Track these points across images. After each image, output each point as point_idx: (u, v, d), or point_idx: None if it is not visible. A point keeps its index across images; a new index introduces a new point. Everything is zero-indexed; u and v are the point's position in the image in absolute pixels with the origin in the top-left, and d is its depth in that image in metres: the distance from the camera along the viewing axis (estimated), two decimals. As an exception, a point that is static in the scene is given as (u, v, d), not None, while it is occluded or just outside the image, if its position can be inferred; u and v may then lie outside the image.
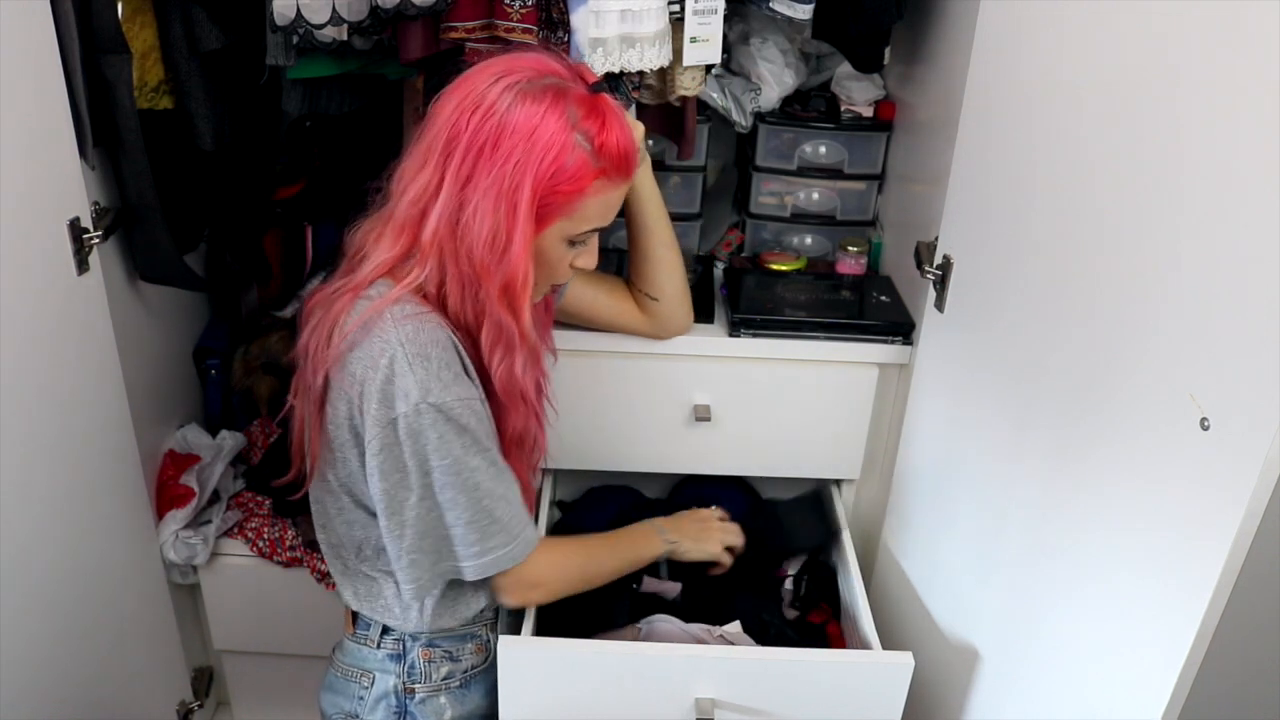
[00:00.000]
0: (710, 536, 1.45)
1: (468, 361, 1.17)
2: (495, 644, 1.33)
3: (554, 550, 1.30)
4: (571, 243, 1.19)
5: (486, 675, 1.34)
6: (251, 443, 1.89)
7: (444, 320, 1.16)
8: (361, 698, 1.30)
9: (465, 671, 1.32)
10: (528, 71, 1.14)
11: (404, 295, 1.14)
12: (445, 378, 1.11)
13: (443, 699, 1.31)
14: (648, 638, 1.49)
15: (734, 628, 1.52)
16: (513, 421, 1.23)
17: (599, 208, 1.17)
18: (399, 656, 1.29)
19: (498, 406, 1.22)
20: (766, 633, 1.54)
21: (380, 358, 1.11)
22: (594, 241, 1.22)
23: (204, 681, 1.90)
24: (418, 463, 1.13)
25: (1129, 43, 1.05)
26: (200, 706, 1.84)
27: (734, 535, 1.48)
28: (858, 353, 1.68)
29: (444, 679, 1.30)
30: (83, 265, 1.38)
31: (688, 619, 1.52)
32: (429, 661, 1.29)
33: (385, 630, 1.29)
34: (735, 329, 1.67)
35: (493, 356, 1.17)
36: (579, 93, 1.14)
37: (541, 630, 1.41)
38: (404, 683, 1.29)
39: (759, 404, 1.72)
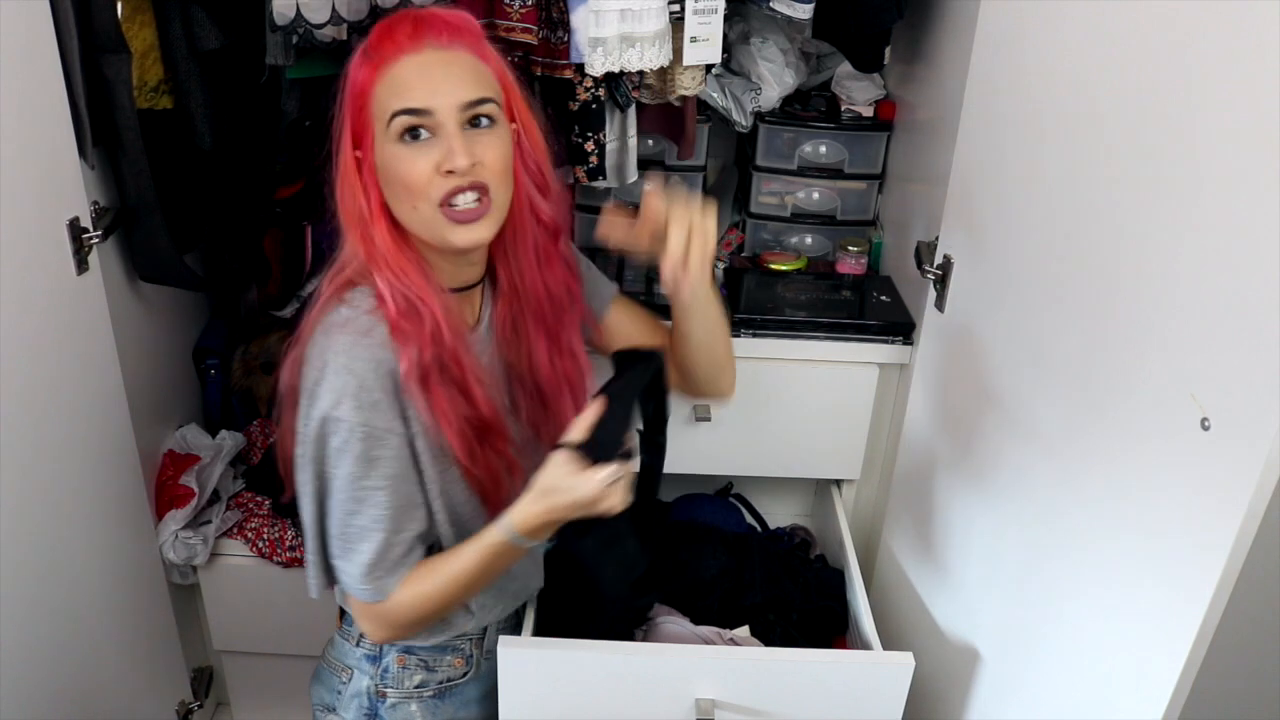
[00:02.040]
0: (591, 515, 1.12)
1: (399, 391, 1.11)
2: (479, 659, 1.31)
3: (405, 596, 1.16)
4: (405, 141, 1.06)
5: (466, 688, 1.32)
6: (251, 443, 1.88)
7: (391, 337, 1.10)
8: (339, 691, 1.30)
9: (441, 683, 1.30)
10: None
11: (350, 291, 1.12)
12: (362, 399, 1.08)
13: (414, 706, 1.29)
14: (656, 638, 1.48)
15: (743, 632, 1.52)
16: (450, 405, 1.13)
17: (388, 91, 1.06)
18: (375, 658, 1.28)
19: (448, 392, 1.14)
20: (772, 632, 1.54)
21: (316, 360, 1.10)
22: (446, 139, 1.06)
23: (204, 681, 1.89)
24: (316, 469, 1.12)
25: (1129, 42, 1.05)
26: (200, 706, 1.84)
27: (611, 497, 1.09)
28: (858, 353, 1.68)
29: (416, 687, 1.28)
30: (82, 265, 1.38)
31: (698, 621, 1.53)
32: (403, 668, 1.28)
33: None
34: (735, 329, 1.67)
35: (395, 327, 1.10)
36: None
37: (540, 632, 1.41)
38: (377, 685, 1.28)
39: (759, 404, 1.72)
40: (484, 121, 1.08)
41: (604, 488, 1.05)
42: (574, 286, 1.25)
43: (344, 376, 1.08)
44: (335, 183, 1.11)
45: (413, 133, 1.06)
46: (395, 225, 1.11)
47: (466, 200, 1.08)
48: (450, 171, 1.06)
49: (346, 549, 1.13)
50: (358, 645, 1.29)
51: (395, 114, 1.05)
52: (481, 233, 1.10)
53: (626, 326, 1.36)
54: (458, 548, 1.15)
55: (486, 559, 1.13)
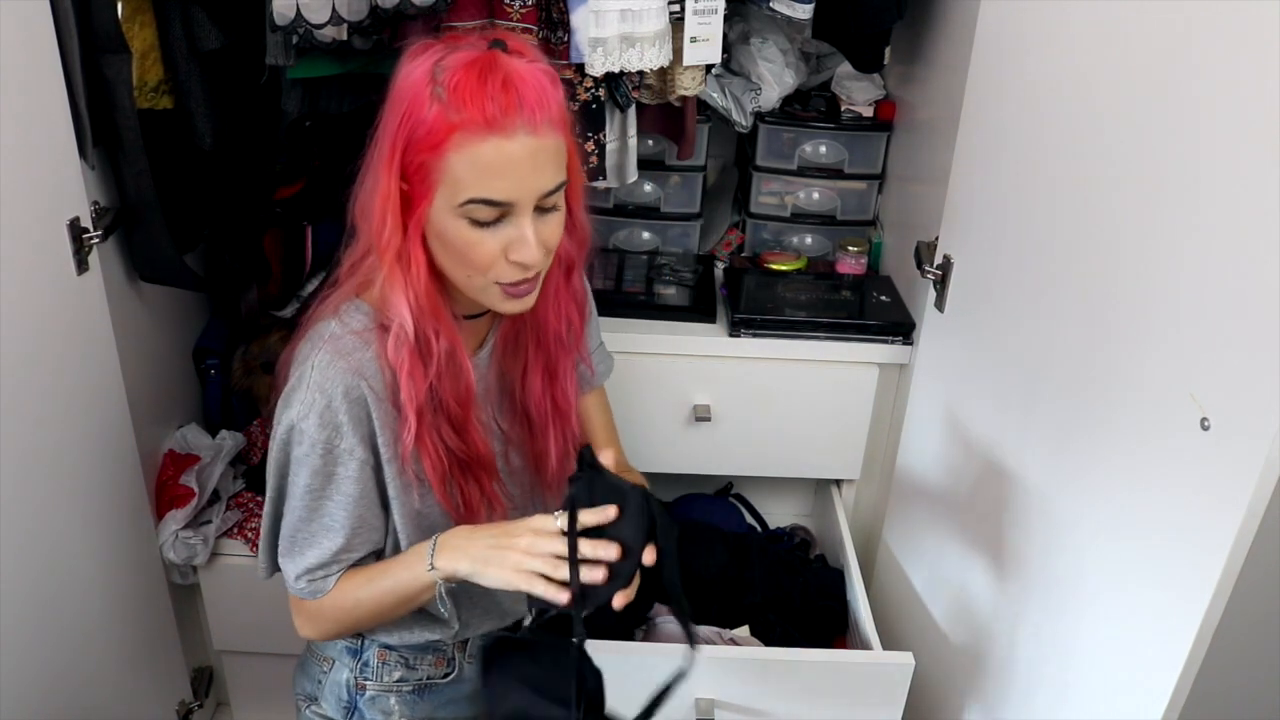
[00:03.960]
0: (504, 559, 1.05)
1: (374, 417, 1.11)
2: (462, 662, 1.31)
3: (335, 597, 1.18)
4: (477, 223, 1.03)
5: (448, 689, 1.31)
6: (251, 443, 1.88)
7: (382, 352, 1.10)
8: (320, 681, 1.31)
9: (420, 680, 1.30)
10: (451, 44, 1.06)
11: (348, 303, 1.12)
12: (326, 418, 1.08)
13: (392, 700, 1.29)
14: (656, 638, 1.48)
15: (743, 632, 1.52)
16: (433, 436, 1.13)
17: (467, 168, 1.00)
18: (356, 651, 1.28)
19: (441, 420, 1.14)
20: (772, 632, 1.55)
21: (297, 368, 1.11)
22: (520, 228, 1.03)
23: (204, 681, 1.89)
24: (279, 470, 1.13)
25: (1129, 42, 1.05)
26: (200, 706, 1.84)
27: (539, 561, 1.02)
28: (858, 353, 1.68)
29: (396, 682, 1.29)
30: (82, 265, 1.38)
31: (698, 621, 1.53)
32: (383, 663, 1.28)
33: None
34: (735, 329, 1.67)
35: (397, 360, 1.10)
36: (472, 48, 1.03)
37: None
38: (356, 677, 1.28)
39: (759, 404, 1.72)
40: (553, 205, 1.07)
41: (531, 535, 1.03)
42: (576, 322, 1.24)
43: (314, 392, 1.08)
44: (363, 197, 1.07)
45: (487, 222, 1.03)
46: (430, 262, 1.09)
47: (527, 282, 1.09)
48: (518, 262, 1.04)
49: (292, 552, 1.15)
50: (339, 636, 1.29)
51: (473, 200, 1.01)
52: (530, 302, 1.11)
53: (589, 418, 1.36)
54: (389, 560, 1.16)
55: (394, 575, 1.13)
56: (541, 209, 1.05)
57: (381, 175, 1.05)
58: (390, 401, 1.11)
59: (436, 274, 1.09)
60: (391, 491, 1.15)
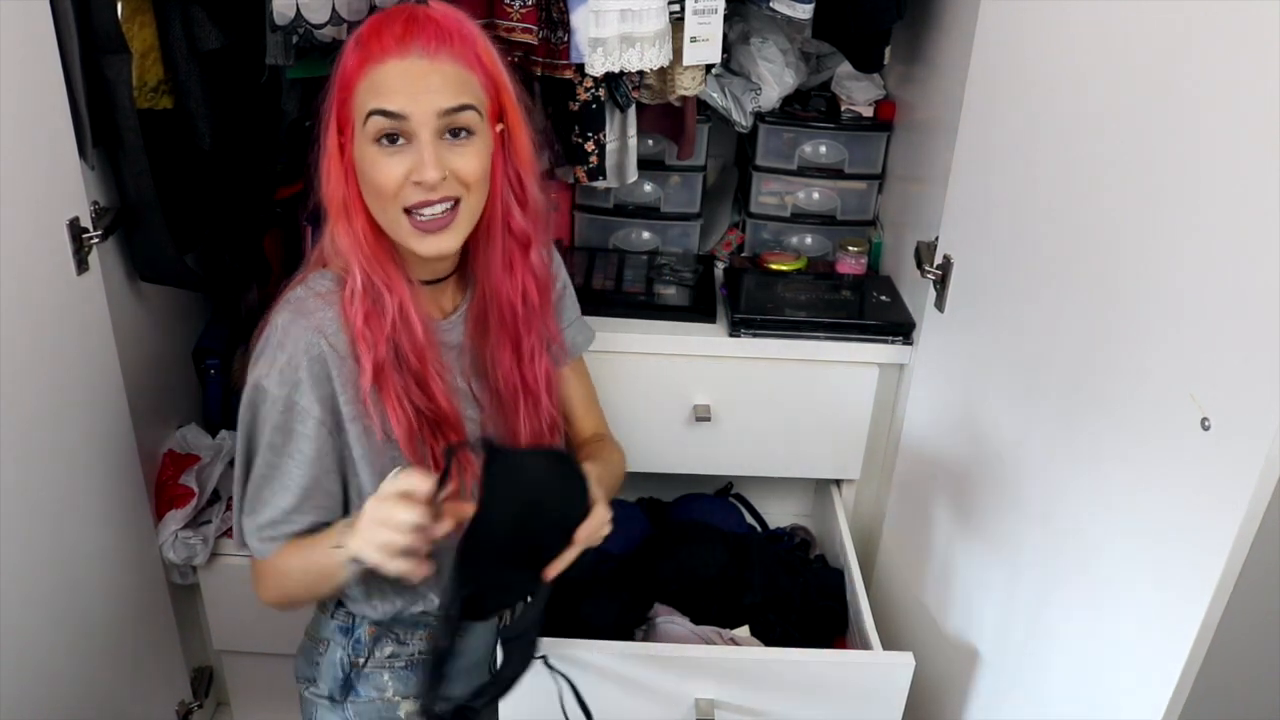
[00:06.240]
0: (371, 535, 1.02)
1: (334, 376, 1.13)
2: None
3: (272, 564, 1.20)
4: (380, 144, 1.07)
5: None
6: (251, 443, 1.88)
7: (342, 314, 1.13)
8: (317, 663, 1.33)
9: (412, 655, 1.32)
10: None
11: (316, 272, 1.17)
12: (287, 375, 1.12)
13: (385, 676, 1.31)
14: (656, 638, 1.49)
15: (743, 632, 1.52)
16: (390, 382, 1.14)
17: (369, 91, 1.07)
18: (348, 630, 1.30)
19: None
20: (772, 632, 1.55)
21: (265, 330, 1.15)
22: (418, 150, 1.07)
23: (204, 681, 1.89)
24: (246, 430, 1.16)
25: (1129, 42, 1.05)
26: (200, 706, 1.84)
27: (391, 532, 1.00)
28: (858, 353, 1.68)
29: (388, 658, 1.31)
30: (82, 265, 1.38)
31: (698, 621, 1.52)
32: (374, 638, 1.30)
33: (339, 602, 1.30)
34: (735, 329, 1.67)
35: (353, 311, 1.13)
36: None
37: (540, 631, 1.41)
38: (350, 655, 1.30)
39: (759, 404, 1.72)
40: (462, 133, 1.09)
41: (381, 509, 1.01)
42: (534, 296, 1.24)
43: (275, 350, 1.13)
44: (320, 163, 1.13)
45: (389, 137, 1.07)
46: (373, 215, 1.14)
47: (433, 210, 1.10)
48: (419, 183, 1.07)
49: (251, 509, 1.18)
50: (332, 617, 1.31)
51: (371, 113, 1.06)
52: (445, 243, 1.12)
53: (567, 389, 1.38)
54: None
55: (316, 552, 1.14)
56: (449, 136, 1.09)
57: (326, 136, 1.11)
58: (353, 359, 1.14)
59: (379, 228, 1.13)
60: (357, 453, 1.17)
